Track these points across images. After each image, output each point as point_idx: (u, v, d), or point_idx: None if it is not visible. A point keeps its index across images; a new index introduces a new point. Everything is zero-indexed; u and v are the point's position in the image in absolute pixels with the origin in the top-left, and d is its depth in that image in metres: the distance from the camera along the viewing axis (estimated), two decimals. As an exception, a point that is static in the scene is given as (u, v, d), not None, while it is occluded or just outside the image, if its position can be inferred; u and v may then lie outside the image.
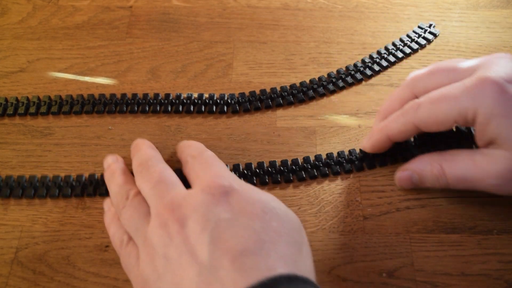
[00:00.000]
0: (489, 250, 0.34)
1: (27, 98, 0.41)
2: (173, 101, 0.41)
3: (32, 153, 0.38)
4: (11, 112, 0.40)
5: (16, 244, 0.34)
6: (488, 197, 0.36)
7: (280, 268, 0.25)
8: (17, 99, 0.40)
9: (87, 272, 0.33)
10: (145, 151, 0.34)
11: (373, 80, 0.42)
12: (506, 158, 0.31)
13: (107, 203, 0.35)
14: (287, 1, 0.47)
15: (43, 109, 0.40)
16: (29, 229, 0.35)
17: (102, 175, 0.37)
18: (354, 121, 0.40)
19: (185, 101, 0.41)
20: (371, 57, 0.43)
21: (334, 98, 0.41)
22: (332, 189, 0.37)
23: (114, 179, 0.34)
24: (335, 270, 0.33)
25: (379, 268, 0.33)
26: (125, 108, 0.41)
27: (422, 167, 0.35)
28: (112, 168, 0.35)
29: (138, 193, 0.32)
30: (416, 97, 0.35)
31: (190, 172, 0.32)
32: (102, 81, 0.42)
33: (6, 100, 0.41)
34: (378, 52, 0.44)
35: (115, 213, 0.33)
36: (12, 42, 0.44)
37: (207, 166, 0.32)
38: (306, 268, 0.27)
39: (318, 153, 0.38)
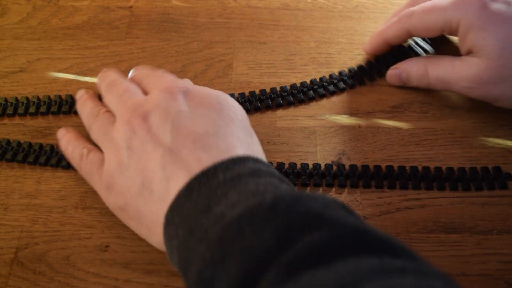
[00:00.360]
0: (489, 250, 0.34)
1: (27, 98, 0.41)
2: (173, 101, 0.41)
3: (32, 153, 0.38)
4: (11, 112, 0.40)
5: (16, 244, 0.34)
6: (488, 197, 0.36)
7: (238, 148, 0.29)
8: (17, 99, 0.40)
9: (87, 272, 0.33)
10: (111, 74, 0.36)
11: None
12: (479, 65, 0.36)
13: (60, 133, 0.36)
14: (287, 1, 0.47)
15: (43, 109, 0.40)
16: (29, 229, 0.35)
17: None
18: (354, 121, 0.40)
19: (185, 101, 0.41)
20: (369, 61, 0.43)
21: (334, 98, 0.41)
22: (332, 189, 0.37)
23: (85, 105, 0.36)
24: (335, 270, 0.33)
25: (379, 268, 0.33)
26: (125, 108, 0.41)
27: (410, 67, 0.40)
28: (83, 98, 0.37)
29: (107, 110, 0.34)
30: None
31: (146, 85, 0.34)
32: (102, 81, 0.42)
33: (6, 100, 0.41)
34: (378, 52, 0.44)
35: (70, 137, 0.35)
36: (12, 42, 0.44)
37: (162, 78, 0.35)
38: (259, 153, 0.31)
39: (318, 153, 0.38)
